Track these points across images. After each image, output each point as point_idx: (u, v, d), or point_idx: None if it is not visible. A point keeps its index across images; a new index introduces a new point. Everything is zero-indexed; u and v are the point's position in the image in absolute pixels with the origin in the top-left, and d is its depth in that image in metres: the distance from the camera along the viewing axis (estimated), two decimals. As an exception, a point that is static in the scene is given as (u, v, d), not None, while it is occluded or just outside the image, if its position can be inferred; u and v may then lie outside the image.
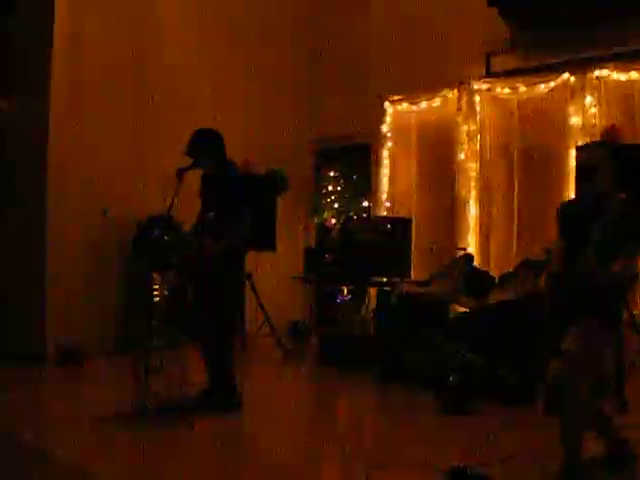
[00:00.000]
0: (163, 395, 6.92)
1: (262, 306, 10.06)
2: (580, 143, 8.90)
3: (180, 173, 6.76)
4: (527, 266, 8.14)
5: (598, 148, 5.16)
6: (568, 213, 5.31)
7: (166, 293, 9.26)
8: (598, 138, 8.66)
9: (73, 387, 8.16)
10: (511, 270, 8.68)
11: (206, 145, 7.06)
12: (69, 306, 9.32)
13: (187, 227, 7.54)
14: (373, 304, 9.98)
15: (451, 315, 8.69)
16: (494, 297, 8.10)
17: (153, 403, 6.52)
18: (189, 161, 6.99)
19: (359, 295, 10.89)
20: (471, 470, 5.05)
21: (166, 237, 9.21)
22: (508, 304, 7.72)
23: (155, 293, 9.12)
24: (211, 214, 6.80)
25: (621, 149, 7.81)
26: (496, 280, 8.76)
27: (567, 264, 5.07)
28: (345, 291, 11.25)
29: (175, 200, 6.64)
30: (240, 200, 6.97)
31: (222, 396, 7.02)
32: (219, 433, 6.52)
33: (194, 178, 7.16)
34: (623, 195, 4.85)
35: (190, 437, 6.25)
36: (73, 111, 9.50)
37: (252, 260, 9.21)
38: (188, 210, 7.24)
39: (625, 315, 7.26)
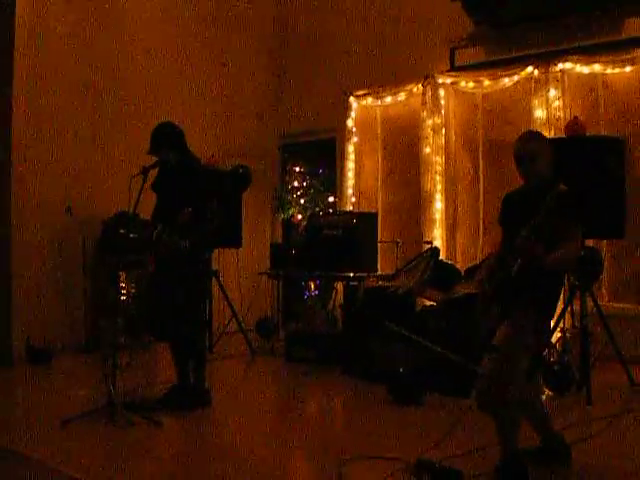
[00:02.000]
0: (132, 393, 6.92)
1: (229, 302, 10.03)
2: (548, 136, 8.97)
3: (145, 171, 6.71)
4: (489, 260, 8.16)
5: (535, 139, 5.16)
6: (510, 202, 5.29)
7: (133, 291, 9.26)
8: (562, 131, 8.72)
9: (41, 386, 8.08)
10: (478, 263, 8.71)
11: (168, 139, 6.99)
12: (36, 305, 9.25)
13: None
14: (340, 299, 9.99)
15: (417, 309, 8.70)
16: (461, 290, 8.11)
17: (122, 401, 6.45)
18: (153, 158, 6.95)
19: (326, 290, 10.89)
20: (438, 463, 5.07)
21: (132, 235, 9.21)
22: (475, 297, 7.72)
23: (122, 291, 9.11)
24: (188, 209, 6.72)
25: (559, 141, 7.93)
26: (462, 273, 8.78)
27: (502, 253, 5.08)
28: (312, 287, 11.24)
29: (140, 197, 6.60)
30: (205, 195, 6.92)
31: (191, 394, 6.99)
32: (188, 431, 6.51)
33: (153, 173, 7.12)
34: (563, 186, 4.78)
35: (159, 435, 6.21)
36: (37, 108, 9.41)
37: (218, 257, 9.20)
38: (152, 207, 7.18)
39: (591, 305, 7.38)
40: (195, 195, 6.82)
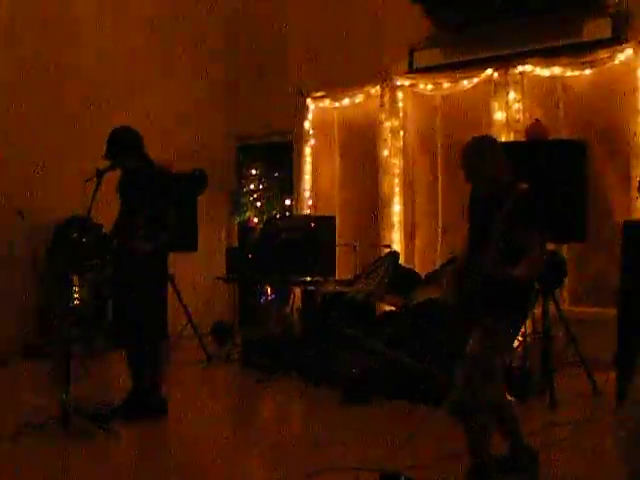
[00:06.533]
0: (85, 401, 6.71)
1: (185, 307, 9.85)
2: (504, 139, 8.94)
3: (99, 174, 6.60)
4: (453, 263, 8.08)
5: (475, 152, 5.09)
6: (475, 198, 5.27)
7: (86, 296, 9.04)
8: (522, 134, 8.67)
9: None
10: (438, 268, 8.64)
11: (124, 144, 6.88)
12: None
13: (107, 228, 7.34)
14: (298, 304, 9.87)
15: (377, 314, 8.60)
16: (421, 296, 8.02)
17: (76, 410, 6.29)
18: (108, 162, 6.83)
19: (283, 295, 10.74)
20: (404, 476, 4.97)
21: (84, 239, 9.00)
22: (436, 303, 7.63)
23: (75, 296, 8.88)
24: (145, 211, 6.59)
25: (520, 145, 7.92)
26: (422, 278, 8.69)
27: (469, 255, 5.06)
28: (269, 291, 11.09)
29: (94, 201, 6.47)
30: (162, 200, 6.79)
31: (147, 402, 6.82)
32: (144, 441, 6.42)
33: (115, 178, 7.00)
34: (525, 185, 4.80)
35: (114, 445, 6.11)
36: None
37: (174, 261, 9.02)
38: (108, 211, 7.03)
39: (552, 310, 7.34)
40: (152, 200, 6.68)
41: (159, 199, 6.77)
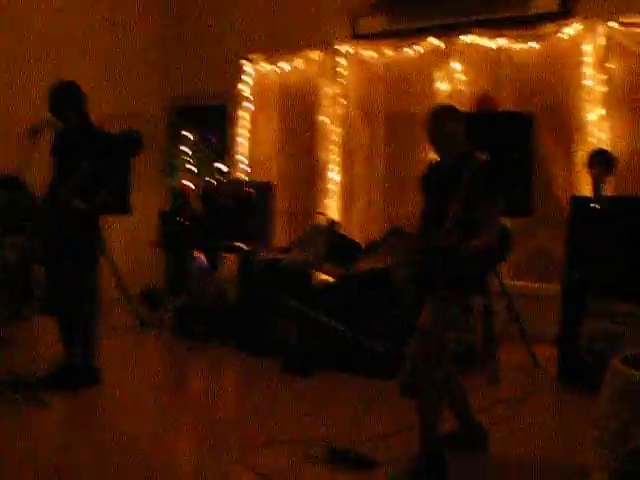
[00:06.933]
0: (15, 370, 6.54)
1: (115, 272, 9.58)
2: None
3: (34, 132, 6.30)
4: (395, 233, 7.97)
5: (451, 118, 4.97)
6: (430, 174, 5.22)
7: (13, 260, 8.72)
8: (466, 105, 8.58)
9: None
10: (379, 238, 8.51)
11: (66, 99, 6.58)
12: None
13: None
14: (232, 271, 9.67)
15: (313, 283, 8.45)
16: (362, 265, 7.90)
17: (4, 379, 6.11)
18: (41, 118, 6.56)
19: (216, 262, 10.54)
20: (353, 452, 4.88)
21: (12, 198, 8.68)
22: (377, 272, 7.52)
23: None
24: (85, 164, 6.31)
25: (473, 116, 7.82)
26: (363, 247, 8.57)
27: (426, 229, 4.98)
28: (203, 257, 10.87)
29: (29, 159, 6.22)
30: (102, 160, 6.51)
31: (79, 372, 6.58)
32: (74, 413, 6.21)
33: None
34: (484, 156, 4.74)
35: (45, 416, 5.90)
36: None
37: (104, 224, 8.77)
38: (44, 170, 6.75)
39: (495, 284, 7.27)
40: (91, 159, 6.41)
41: (99, 158, 6.48)
